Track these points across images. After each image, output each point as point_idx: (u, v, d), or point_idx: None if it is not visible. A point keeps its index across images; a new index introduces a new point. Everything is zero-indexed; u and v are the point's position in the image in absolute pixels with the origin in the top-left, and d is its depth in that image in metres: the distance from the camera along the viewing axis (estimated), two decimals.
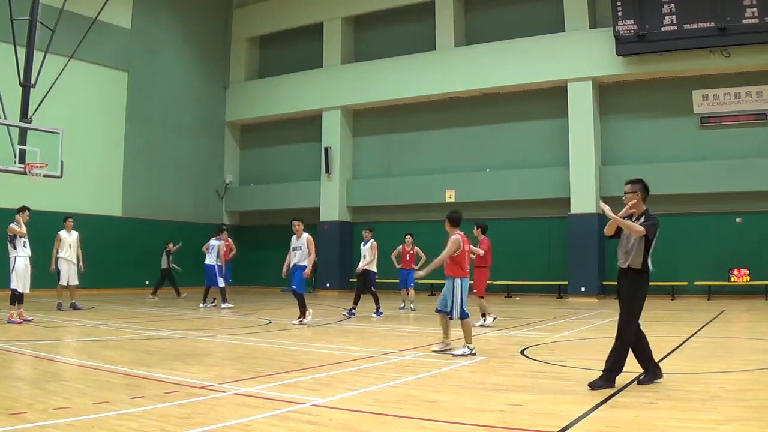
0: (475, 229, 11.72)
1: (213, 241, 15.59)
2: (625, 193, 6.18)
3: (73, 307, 14.17)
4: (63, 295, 14.38)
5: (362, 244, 14.22)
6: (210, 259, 15.41)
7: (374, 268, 13.91)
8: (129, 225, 22.33)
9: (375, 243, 14.02)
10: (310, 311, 11.97)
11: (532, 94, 21.55)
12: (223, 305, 15.19)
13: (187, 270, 19.24)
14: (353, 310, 13.56)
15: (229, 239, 16.13)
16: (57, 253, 14.34)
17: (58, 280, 14.31)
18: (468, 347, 7.87)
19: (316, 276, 22.90)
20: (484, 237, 11.78)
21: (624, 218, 6.03)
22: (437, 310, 8.15)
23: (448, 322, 8.15)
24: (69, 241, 14.52)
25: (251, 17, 26.79)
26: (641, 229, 5.79)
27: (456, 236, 8.11)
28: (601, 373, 5.91)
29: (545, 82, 20.84)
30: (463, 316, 7.94)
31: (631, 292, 5.92)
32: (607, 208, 6.03)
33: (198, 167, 25.64)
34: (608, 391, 5.56)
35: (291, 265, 11.95)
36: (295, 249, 11.96)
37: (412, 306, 15.39)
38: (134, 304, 16.48)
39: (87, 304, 15.10)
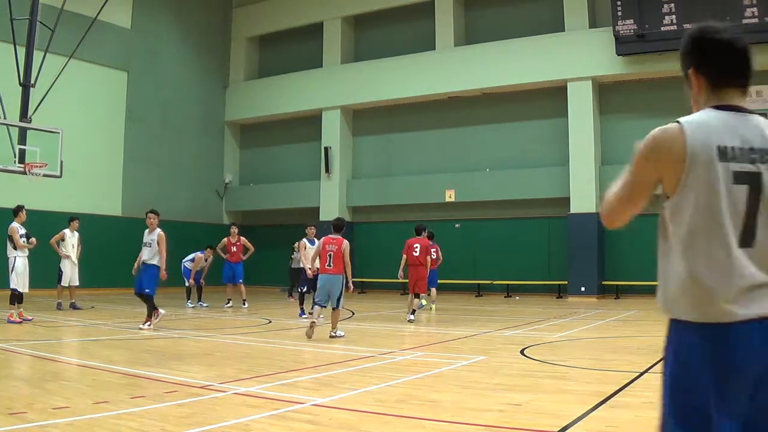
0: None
1: (198, 254, 15.84)
2: None
3: (73, 306, 14.17)
4: (63, 295, 14.38)
5: (310, 242, 13.47)
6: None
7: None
8: (128, 224, 22.27)
9: (301, 242, 13.52)
10: (160, 312, 10.87)
11: (531, 93, 21.54)
12: (190, 304, 15.59)
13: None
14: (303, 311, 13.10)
15: (242, 238, 16.03)
16: (59, 247, 14.32)
17: (59, 281, 14.30)
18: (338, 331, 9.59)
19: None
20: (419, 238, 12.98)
21: None
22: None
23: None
24: (72, 241, 14.53)
25: (251, 17, 26.79)
26: None
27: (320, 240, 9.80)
28: None
29: (545, 81, 20.83)
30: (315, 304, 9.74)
31: None
32: None
33: (198, 167, 25.63)
34: (608, 391, 5.56)
35: (141, 262, 10.96)
36: (145, 245, 11.01)
37: (423, 303, 15.40)
38: (134, 304, 16.47)
39: (87, 303, 15.10)
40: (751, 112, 2.07)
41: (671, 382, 1.94)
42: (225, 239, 16.01)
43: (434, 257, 15.37)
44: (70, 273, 14.35)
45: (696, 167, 1.91)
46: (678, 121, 1.98)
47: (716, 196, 1.90)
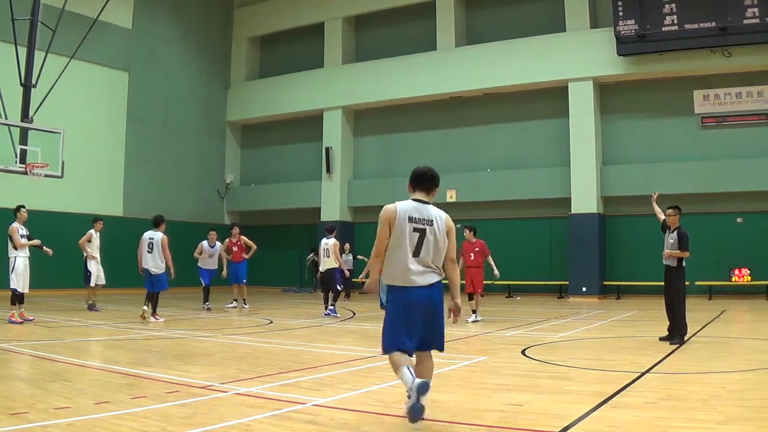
0: (467, 231, 12.65)
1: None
2: (668, 215, 9.31)
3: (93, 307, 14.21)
4: (93, 295, 14.42)
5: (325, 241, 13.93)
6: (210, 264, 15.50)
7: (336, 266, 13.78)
8: (130, 225, 22.26)
9: (336, 242, 13.78)
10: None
11: (533, 93, 21.55)
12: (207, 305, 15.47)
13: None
14: (333, 309, 13.58)
15: (243, 237, 15.72)
16: (88, 249, 14.32)
17: (88, 281, 14.30)
18: None
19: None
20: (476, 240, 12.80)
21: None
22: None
23: None
24: (97, 242, 14.56)
25: (252, 17, 26.81)
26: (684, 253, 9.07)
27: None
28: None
29: (546, 81, 20.84)
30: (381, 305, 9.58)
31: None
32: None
33: (199, 167, 25.65)
34: (609, 391, 5.56)
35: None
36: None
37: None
38: (135, 304, 16.48)
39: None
40: (428, 203, 4.78)
41: (392, 311, 4.64)
42: (227, 240, 15.88)
43: None
44: (97, 271, 14.40)
45: (399, 224, 4.62)
46: (396, 204, 4.69)
47: (405, 237, 4.59)
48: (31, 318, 11.50)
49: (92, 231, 14.54)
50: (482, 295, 12.76)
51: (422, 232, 4.63)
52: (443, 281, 4.72)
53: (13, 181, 16.63)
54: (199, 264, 15.30)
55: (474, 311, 12.36)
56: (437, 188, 4.92)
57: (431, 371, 4.74)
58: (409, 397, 4.41)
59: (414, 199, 4.79)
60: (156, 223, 12.56)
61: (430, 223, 4.67)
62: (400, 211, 4.66)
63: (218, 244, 15.47)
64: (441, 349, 4.73)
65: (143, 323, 11.60)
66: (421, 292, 4.59)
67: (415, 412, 4.34)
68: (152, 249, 12.30)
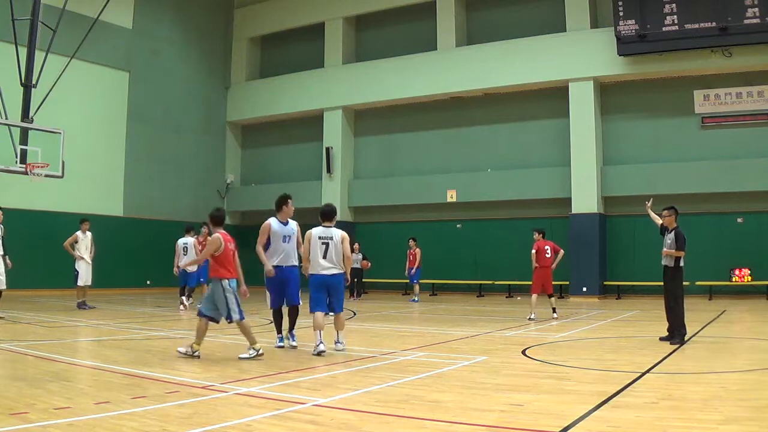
0: (536, 233, 13.21)
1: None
2: (664, 216, 9.44)
3: (83, 306, 14.26)
4: (81, 294, 14.49)
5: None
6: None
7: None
8: (130, 225, 22.34)
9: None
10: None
11: (533, 93, 21.54)
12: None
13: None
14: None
15: (208, 238, 15.63)
16: (73, 250, 14.45)
17: (76, 281, 14.42)
18: (254, 348, 7.57)
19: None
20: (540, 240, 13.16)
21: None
22: (199, 314, 7.83)
23: (203, 327, 7.75)
24: (85, 242, 14.62)
25: (252, 17, 26.80)
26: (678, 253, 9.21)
27: (215, 235, 7.88)
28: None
29: (546, 81, 20.82)
30: (240, 317, 7.77)
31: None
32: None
33: (199, 167, 25.65)
34: (609, 391, 5.56)
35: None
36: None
37: (416, 299, 19.10)
38: (135, 304, 16.49)
39: (90, 303, 15.04)
40: (330, 227, 8.22)
41: (313, 288, 8.06)
42: (197, 237, 15.63)
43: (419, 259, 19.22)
44: (86, 271, 14.50)
45: (313, 241, 8.09)
46: (312, 230, 8.11)
47: (317, 247, 8.06)
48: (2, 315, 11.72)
49: (78, 233, 14.64)
50: (550, 295, 13.31)
51: (327, 245, 7.97)
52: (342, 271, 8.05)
53: (14, 181, 16.64)
54: (267, 264, 8.49)
55: (554, 309, 13.18)
56: (336, 217, 8.25)
57: (342, 323, 8.33)
58: (317, 346, 7.71)
59: (323, 225, 8.08)
60: (186, 230, 15.43)
61: (332, 238, 7.98)
62: (313, 234, 7.99)
63: (294, 224, 8.65)
64: (341, 311, 8.19)
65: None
66: (327, 277, 7.93)
67: (319, 353, 7.70)
68: (187, 252, 14.80)
